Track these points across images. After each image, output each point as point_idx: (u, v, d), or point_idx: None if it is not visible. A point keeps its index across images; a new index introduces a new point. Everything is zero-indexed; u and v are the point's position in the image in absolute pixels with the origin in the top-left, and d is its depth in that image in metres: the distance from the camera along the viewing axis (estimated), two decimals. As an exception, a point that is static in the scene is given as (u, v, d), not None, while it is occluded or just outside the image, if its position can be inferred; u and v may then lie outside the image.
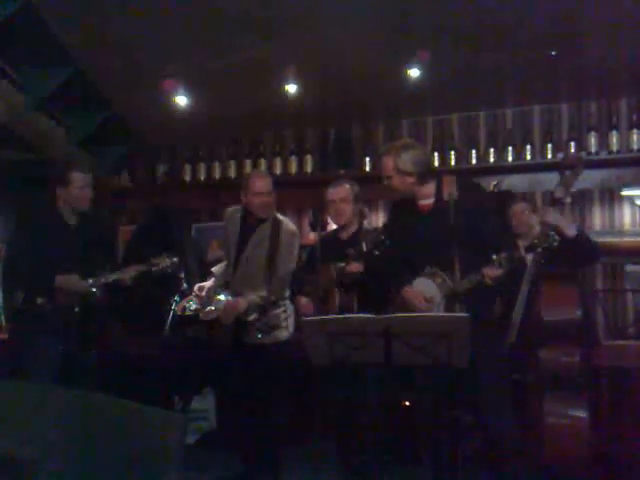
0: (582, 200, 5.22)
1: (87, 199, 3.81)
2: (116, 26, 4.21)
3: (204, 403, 5.17)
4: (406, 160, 3.27)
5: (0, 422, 2.19)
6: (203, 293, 4.08)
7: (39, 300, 3.62)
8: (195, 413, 5.10)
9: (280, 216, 4.04)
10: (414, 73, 4.66)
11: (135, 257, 4.13)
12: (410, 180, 3.30)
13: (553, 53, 4.44)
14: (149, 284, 4.07)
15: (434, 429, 3.38)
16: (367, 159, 5.62)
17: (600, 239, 4.49)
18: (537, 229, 3.84)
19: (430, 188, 3.35)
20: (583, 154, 4.97)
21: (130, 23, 4.17)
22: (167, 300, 4.16)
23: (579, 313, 3.36)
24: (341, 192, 3.88)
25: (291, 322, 3.98)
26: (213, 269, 4.34)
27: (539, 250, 3.20)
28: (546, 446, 3.22)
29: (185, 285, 4.08)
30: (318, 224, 3.80)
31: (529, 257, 3.53)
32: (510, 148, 5.37)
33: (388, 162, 3.34)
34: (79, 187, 3.75)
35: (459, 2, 4.01)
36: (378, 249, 3.31)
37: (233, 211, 4.10)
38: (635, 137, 5.06)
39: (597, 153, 5.15)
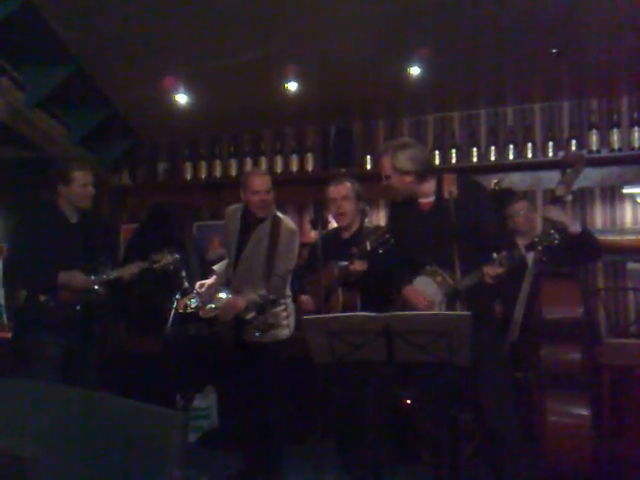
0: (583, 198, 5.22)
1: (89, 197, 3.81)
2: (117, 24, 4.21)
3: (206, 401, 5.18)
4: (404, 159, 3.26)
5: (1, 420, 2.19)
6: (204, 290, 4.08)
7: (42, 298, 3.62)
8: (196, 411, 5.11)
9: (280, 214, 4.03)
10: (415, 71, 4.66)
11: (136, 255, 4.13)
12: (409, 179, 3.29)
13: (554, 51, 4.44)
14: (150, 282, 4.07)
15: (435, 428, 3.37)
16: (368, 157, 5.61)
17: (601, 237, 4.49)
18: (538, 227, 3.84)
19: (430, 186, 3.34)
20: (584, 152, 4.96)
21: (131, 21, 4.17)
22: (169, 298, 4.15)
23: (581, 311, 3.36)
24: (342, 190, 3.87)
25: (292, 321, 3.98)
26: (214, 267, 4.34)
27: (539, 248, 3.19)
28: (548, 444, 3.21)
29: (186, 283, 4.07)
30: (319, 222, 3.79)
31: (530, 255, 3.53)
32: (511, 146, 5.36)
33: (386, 162, 3.33)
34: (81, 185, 3.75)
35: (460, 0, 4.00)
36: (382, 248, 3.30)
37: (234, 209, 4.10)
38: (636, 135, 5.06)
39: (598, 151, 5.15)
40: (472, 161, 5.44)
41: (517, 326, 3.43)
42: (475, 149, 5.46)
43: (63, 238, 3.73)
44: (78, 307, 3.65)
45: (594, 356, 3.70)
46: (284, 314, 3.95)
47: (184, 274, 3.95)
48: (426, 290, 3.23)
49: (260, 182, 3.88)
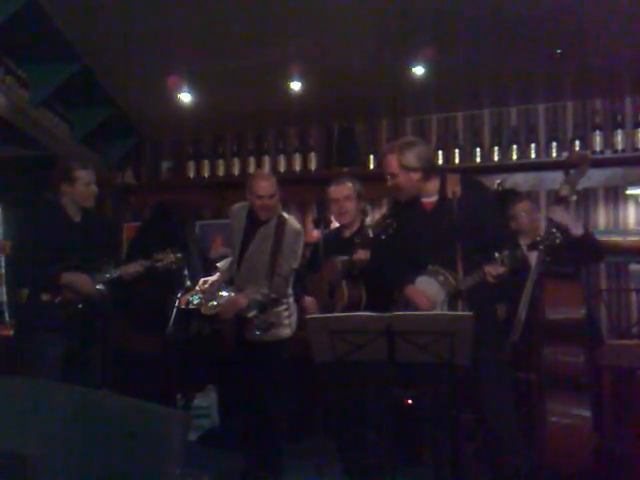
0: (587, 199, 5.21)
1: (92, 196, 3.82)
2: (121, 23, 4.21)
3: (206, 400, 5.18)
4: (411, 157, 3.26)
5: (2, 418, 2.19)
6: (207, 287, 4.09)
7: (44, 296, 3.62)
8: (197, 410, 5.11)
9: (285, 214, 4.03)
10: (418, 71, 4.66)
11: (139, 254, 4.13)
12: (416, 176, 3.28)
13: (558, 51, 4.43)
14: (153, 281, 4.07)
15: (435, 428, 3.38)
16: (371, 157, 5.61)
17: (604, 238, 4.48)
18: (541, 228, 3.83)
19: (434, 186, 3.34)
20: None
21: (134, 20, 4.17)
22: (171, 297, 4.16)
23: (583, 312, 3.35)
24: (344, 190, 3.87)
25: (293, 320, 3.98)
26: (219, 264, 4.34)
27: (541, 248, 3.19)
28: (549, 445, 3.21)
29: (188, 282, 4.08)
30: (322, 222, 3.79)
31: (532, 255, 3.52)
32: (515, 146, 5.36)
33: (392, 161, 3.32)
34: (84, 184, 3.75)
35: (464, 0, 4.00)
36: (385, 233, 3.29)
37: (239, 207, 4.09)
38: (640, 136, 5.06)
39: (602, 152, 5.14)
40: (475, 161, 5.44)
41: (519, 326, 3.43)
42: (478, 149, 5.45)
43: (66, 237, 3.73)
44: (80, 305, 3.66)
45: (595, 357, 3.70)
46: (286, 313, 3.95)
47: (186, 273, 3.96)
48: (428, 290, 3.23)
49: (264, 186, 3.86)
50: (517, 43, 4.40)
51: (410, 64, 4.61)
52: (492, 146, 5.43)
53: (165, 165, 6.16)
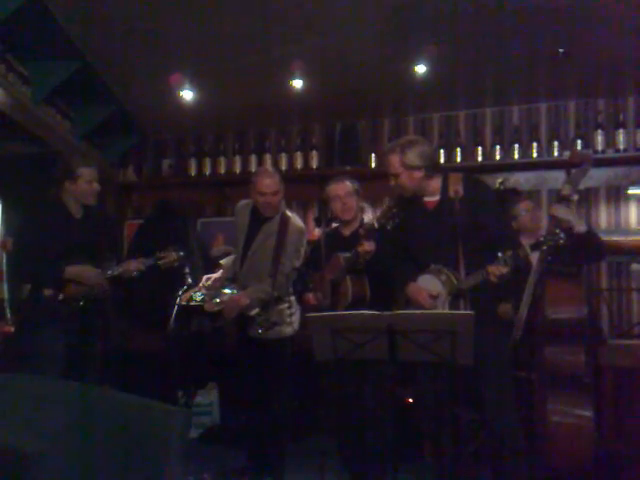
0: (588, 198, 5.21)
1: (95, 194, 3.82)
2: (122, 20, 4.21)
3: (208, 397, 5.18)
4: (413, 155, 3.26)
5: (3, 415, 2.19)
6: (210, 283, 4.09)
7: (46, 292, 3.62)
8: (198, 407, 5.11)
9: (289, 212, 4.03)
10: (420, 69, 4.65)
11: (140, 251, 4.13)
12: (419, 175, 3.28)
13: (561, 50, 4.42)
14: (154, 279, 4.07)
15: (437, 427, 3.37)
16: (373, 155, 5.61)
17: (606, 237, 4.47)
18: (543, 227, 3.83)
19: (436, 185, 3.34)
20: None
21: (136, 17, 4.17)
22: (172, 295, 4.16)
23: (585, 311, 3.35)
24: (345, 187, 3.86)
25: (296, 318, 3.98)
26: (222, 261, 4.34)
27: (544, 248, 3.19)
28: (550, 445, 3.21)
29: (190, 279, 4.08)
30: (323, 220, 3.79)
31: (534, 255, 3.52)
32: (516, 145, 5.36)
33: (394, 160, 3.31)
34: (87, 182, 3.76)
35: (467, -2, 4.00)
36: (391, 223, 3.28)
37: (244, 205, 4.10)
38: (642, 135, 5.06)
39: (604, 151, 5.13)
40: (477, 160, 5.44)
41: (520, 325, 3.43)
42: (480, 148, 5.45)
43: (67, 233, 3.73)
44: (81, 302, 3.66)
45: (596, 357, 3.69)
46: (288, 312, 3.95)
47: (187, 270, 3.95)
48: (430, 288, 3.23)
49: (267, 184, 3.86)
50: (519, 42, 4.39)
51: (412, 62, 4.60)
52: (494, 145, 5.43)
53: (167, 162, 6.16)
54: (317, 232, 4.60)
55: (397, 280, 3.41)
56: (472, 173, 3.89)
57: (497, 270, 3.05)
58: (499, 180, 5.12)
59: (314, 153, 5.76)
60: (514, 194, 4.74)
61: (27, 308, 3.72)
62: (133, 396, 2.24)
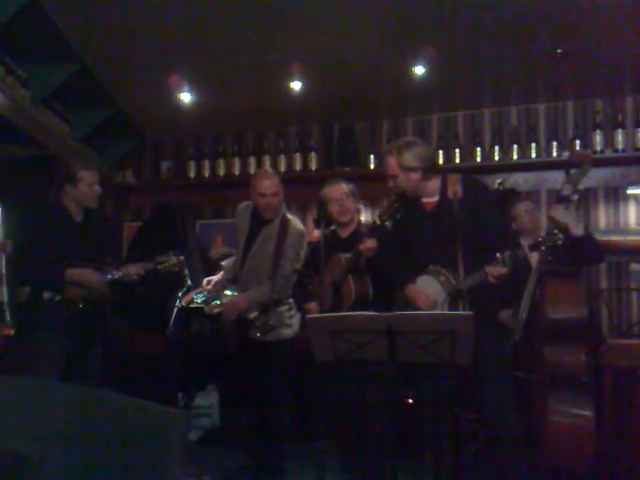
0: (587, 199, 5.22)
1: (96, 197, 3.81)
2: (121, 22, 4.21)
3: (207, 400, 5.18)
4: (410, 157, 3.26)
5: (2, 418, 2.19)
6: (210, 286, 4.09)
7: (46, 295, 3.62)
8: (198, 410, 5.11)
9: (289, 215, 4.04)
10: (419, 70, 4.66)
11: (139, 254, 4.13)
12: (416, 176, 3.28)
13: (559, 51, 4.43)
14: (153, 281, 4.07)
15: (437, 427, 3.37)
16: (372, 156, 5.61)
17: (605, 238, 4.48)
18: (542, 228, 3.83)
19: (435, 186, 3.34)
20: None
21: (135, 19, 4.17)
22: (171, 297, 4.16)
23: (585, 311, 3.34)
24: (341, 189, 3.86)
25: (296, 321, 3.98)
26: (223, 263, 4.35)
27: (543, 248, 3.19)
28: (550, 445, 3.20)
29: (189, 282, 4.08)
30: (322, 221, 3.79)
31: (533, 256, 3.52)
32: (515, 146, 5.36)
33: (392, 162, 3.32)
34: (88, 185, 3.75)
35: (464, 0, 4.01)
36: (392, 219, 3.28)
37: (244, 207, 4.10)
38: (641, 136, 5.06)
39: (602, 151, 5.14)
40: (476, 161, 5.44)
41: (520, 326, 3.42)
42: (479, 149, 5.46)
43: (67, 236, 3.73)
44: (81, 305, 3.65)
45: (596, 357, 3.69)
46: (288, 314, 3.95)
47: (187, 272, 3.96)
48: (429, 289, 3.23)
49: (267, 185, 3.87)
50: (518, 43, 4.40)
51: (411, 64, 4.61)
52: (492, 146, 5.44)
53: (165, 165, 6.16)
54: (316, 234, 4.60)
55: (396, 281, 3.42)
56: (471, 174, 3.90)
57: (496, 271, 3.05)
58: (498, 181, 5.12)
59: (313, 154, 5.76)
60: (513, 195, 4.73)
61: (27, 311, 3.72)
62: (133, 398, 2.24)
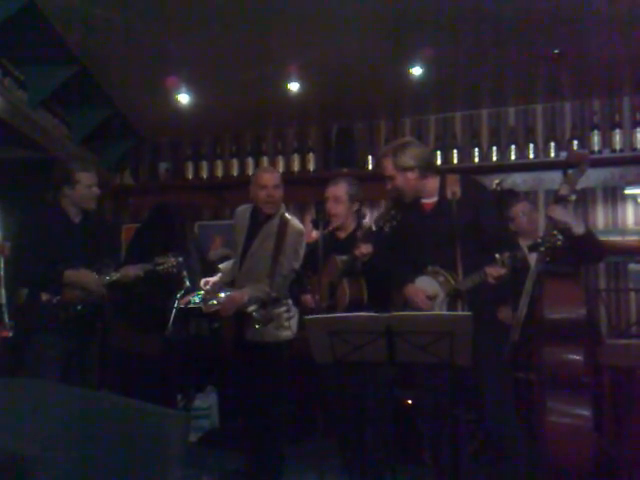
0: (585, 199, 5.22)
1: (94, 198, 3.81)
2: (118, 24, 4.20)
3: (206, 401, 5.18)
4: (405, 157, 3.27)
5: (1, 419, 2.19)
6: (208, 287, 4.09)
7: (44, 297, 3.62)
8: (197, 411, 5.11)
9: (288, 215, 4.04)
10: (417, 71, 4.66)
11: (138, 255, 4.13)
12: (413, 176, 3.29)
13: (556, 51, 4.43)
14: (152, 283, 4.07)
15: (436, 428, 3.37)
16: (369, 157, 5.61)
17: (603, 238, 4.47)
18: (540, 228, 3.83)
19: (433, 186, 3.34)
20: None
21: (132, 21, 4.17)
22: (170, 298, 4.16)
23: (583, 312, 3.34)
24: (336, 191, 3.84)
25: (294, 322, 3.98)
26: (221, 265, 4.35)
27: (542, 249, 3.19)
28: (549, 445, 3.20)
29: (188, 283, 4.08)
30: (321, 222, 3.79)
31: (532, 256, 3.52)
32: (513, 146, 5.37)
33: (387, 163, 3.33)
34: (86, 186, 3.75)
35: (462, 0, 4.00)
36: (389, 225, 3.28)
37: (243, 209, 4.12)
38: (638, 136, 5.08)
39: (600, 152, 5.15)
40: (474, 161, 5.44)
41: (519, 326, 3.43)
42: (477, 149, 5.46)
43: (65, 238, 3.73)
44: (79, 307, 3.65)
45: (595, 357, 3.69)
46: (286, 315, 3.94)
47: (185, 273, 3.95)
48: (428, 290, 3.23)
49: (268, 177, 3.92)
50: (515, 43, 4.40)
51: (408, 64, 4.61)
52: (490, 146, 5.44)
53: (163, 166, 6.15)
54: (315, 234, 4.60)
55: (395, 282, 3.41)
56: (469, 174, 3.90)
57: (495, 271, 3.05)
58: (496, 181, 5.11)
59: (311, 155, 5.76)
60: (511, 195, 4.74)
61: (25, 313, 3.72)
62: (132, 400, 2.24)
